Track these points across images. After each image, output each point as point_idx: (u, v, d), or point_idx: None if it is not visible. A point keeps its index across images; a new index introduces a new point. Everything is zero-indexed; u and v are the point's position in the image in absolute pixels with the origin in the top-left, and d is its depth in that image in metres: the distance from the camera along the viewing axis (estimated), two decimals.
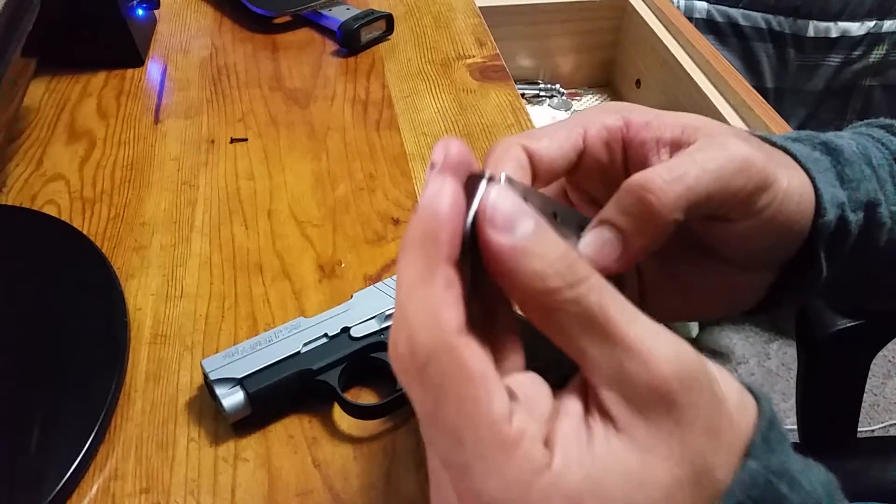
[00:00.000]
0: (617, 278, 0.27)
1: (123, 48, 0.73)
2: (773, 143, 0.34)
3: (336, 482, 0.41)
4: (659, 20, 1.03)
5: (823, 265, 0.33)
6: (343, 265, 0.54)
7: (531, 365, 0.25)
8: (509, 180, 0.24)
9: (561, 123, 0.31)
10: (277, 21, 0.81)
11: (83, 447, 0.41)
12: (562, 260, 0.22)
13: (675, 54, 0.96)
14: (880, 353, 0.80)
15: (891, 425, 1.52)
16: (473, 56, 0.78)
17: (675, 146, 0.31)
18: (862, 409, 0.83)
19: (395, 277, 0.48)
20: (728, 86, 0.88)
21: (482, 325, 0.24)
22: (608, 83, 1.21)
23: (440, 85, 0.74)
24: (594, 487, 0.21)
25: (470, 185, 0.23)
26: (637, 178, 0.28)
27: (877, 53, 1.47)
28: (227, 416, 0.42)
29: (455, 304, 0.22)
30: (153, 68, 0.75)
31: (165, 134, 0.66)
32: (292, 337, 0.44)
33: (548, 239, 0.22)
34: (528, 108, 1.04)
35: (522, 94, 1.17)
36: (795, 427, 0.81)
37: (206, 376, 0.43)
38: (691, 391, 0.22)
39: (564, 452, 0.21)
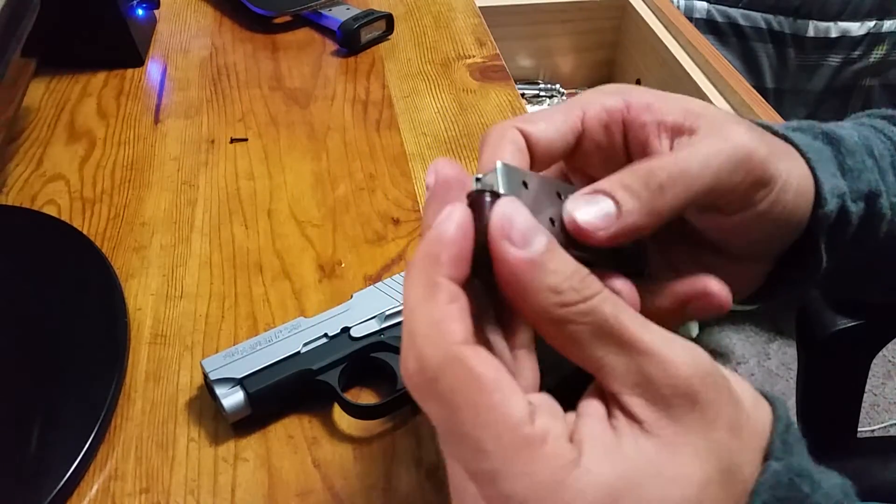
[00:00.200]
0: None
1: (123, 48, 0.73)
2: (774, 132, 0.33)
3: (336, 482, 0.41)
4: (659, 20, 1.03)
5: (823, 256, 0.33)
6: (343, 265, 0.54)
7: None
8: (506, 167, 0.24)
9: (558, 106, 0.31)
10: (277, 21, 0.81)
11: (83, 447, 0.41)
12: (576, 274, 0.22)
13: (675, 54, 0.96)
14: (880, 353, 0.80)
15: (891, 425, 1.52)
16: (473, 56, 0.78)
17: (677, 131, 0.30)
18: (862, 409, 0.83)
19: (395, 277, 0.48)
20: (728, 86, 0.88)
21: (496, 345, 0.24)
22: (608, 83, 1.21)
23: (440, 85, 0.74)
24: (630, 486, 0.21)
25: (474, 201, 0.23)
26: (645, 166, 0.27)
27: (877, 53, 1.46)
28: (227, 416, 0.42)
29: (460, 318, 0.22)
30: (153, 68, 0.75)
31: (165, 134, 0.66)
32: (292, 337, 0.44)
33: (559, 253, 0.23)
34: (528, 107, 1.04)
35: (522, 94, 1.17)
36: None
37: (206, 376, 0.43)
38: (711, 390, 0.22)
39: (593, 450, 0.21)
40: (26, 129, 0.66)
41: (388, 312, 0.46)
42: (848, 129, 0.36)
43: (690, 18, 1.42)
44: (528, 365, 0.25)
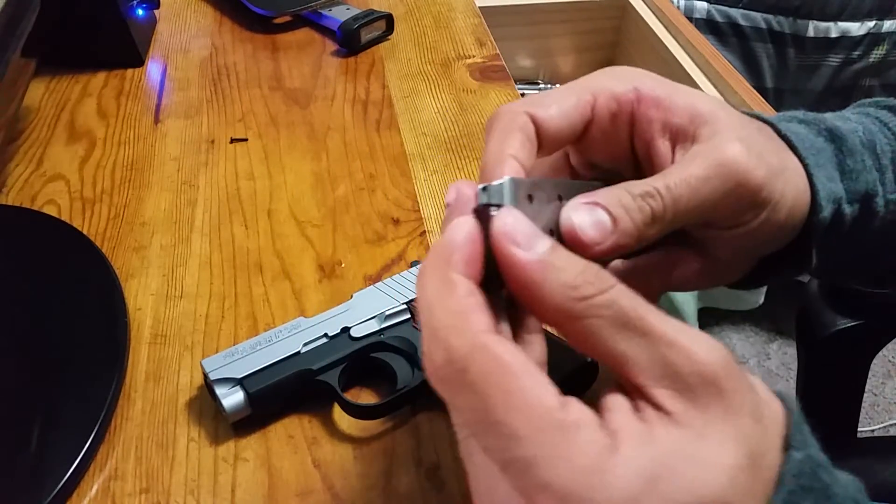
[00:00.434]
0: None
1: (123, 48, 0.73)
2: (777, 131, 0.33)
3: (336, 482, 0.41)
4: (659, 20, 1.03)
5: (814, 258, 0.33)
6: (343, 265, 0.54)
7: None
8: (514, 181, 0.24)
9: (569, 90, 0.30)
10: (277, 21, 0.81)
11: (83, 447, 0.41)
12: (589, 269, 0.22)
13: (675, 54, 0.96)
14: (880, 353, 0.80)
15: (891, 425, 1.52)
16: (473, 56, 0.78)
17: (681, 135, 0.30)
18: (862, 409, 0.83)
19: (395, 277, 0.48)
20: (728, 86, 0.88)
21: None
22: None
23: (440, 85, 0.74)
24: (667, 470, 0.20)
25: (480, 213, 0.24)
26: (640, 185, 0.28)
27: (877, 53, 1.46)
28: (227, 416, 0.42)
29: (480, 310, 0.22)
30: (153, 68, 0.75)
31: (165, 134, 0.66)
32: (292, 337, 0.44)
33: (566, 253, 0.23)
34: None
35: (522, 94, 1.17)
36: None
37: (206, 376, 0.43)
38: (733, 378, 0.22)
39: (628, 438, 0.21)
40: (26, 129, 0.66)
41: (388, 312, 0.46)
42: (853, 122, 0.36)
43: (690, 18, 1.42)
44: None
